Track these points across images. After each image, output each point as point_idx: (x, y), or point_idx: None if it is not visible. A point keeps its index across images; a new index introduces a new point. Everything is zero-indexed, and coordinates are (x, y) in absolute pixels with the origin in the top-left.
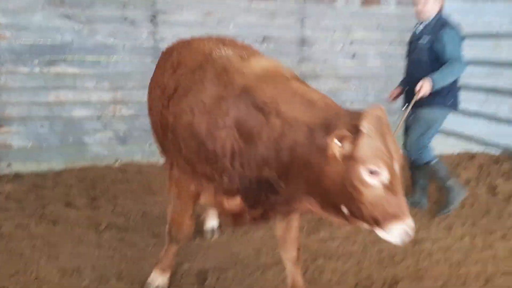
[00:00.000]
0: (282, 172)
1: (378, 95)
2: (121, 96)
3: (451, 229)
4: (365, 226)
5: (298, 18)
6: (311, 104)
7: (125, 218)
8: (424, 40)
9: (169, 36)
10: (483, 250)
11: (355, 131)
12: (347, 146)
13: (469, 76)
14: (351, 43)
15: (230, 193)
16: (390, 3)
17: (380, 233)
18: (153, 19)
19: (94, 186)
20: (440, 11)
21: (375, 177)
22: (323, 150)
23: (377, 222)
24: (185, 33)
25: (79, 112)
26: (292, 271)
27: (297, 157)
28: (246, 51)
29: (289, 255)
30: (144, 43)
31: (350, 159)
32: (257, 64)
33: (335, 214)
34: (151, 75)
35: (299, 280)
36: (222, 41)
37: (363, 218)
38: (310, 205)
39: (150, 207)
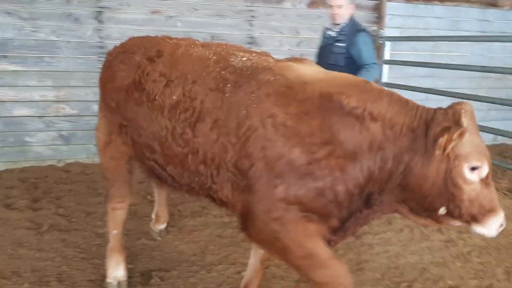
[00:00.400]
0: (383, 183)
1: None
2: (64, 95)
3: (391, 223)
4: (457, 224)
5: (246, 18)
6: (403, 103)
7: (68, 219)
8: (340, 44)
9: (115, 34)
10: (420, 241)
11: (456, 129)
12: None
13: (410, 76)
14: (299, 43)
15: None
16: None
17: (476, 228)
18: (98, 16)
19: (36, 187)
20: (352, 16)
21: (476, 172)
22: (427, 152)
23: (474, 218)
24: (132, 31)
25: (20, 111)
26: (257, 269)
27: (401, 164)
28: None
29: (260, 254)
30: (89, 40)
31: (453, 157)
32: (308, 69)
33: (425, 217)
34: (105, 81)
35: (259, 278)
36: (210, 45)
37: (460, 217)
38: (398, 211)
39: (94, 207)
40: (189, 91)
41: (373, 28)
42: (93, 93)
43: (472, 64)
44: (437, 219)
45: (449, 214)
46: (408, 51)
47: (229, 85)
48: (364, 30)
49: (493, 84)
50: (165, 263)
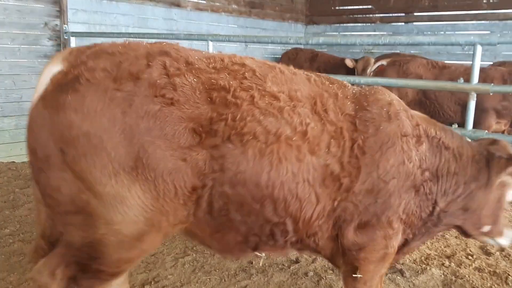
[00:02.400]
0: (452, 204)
1: (7, 95)
2: None
3: None
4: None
5: None
6: (461, 138)
7: None
8: None
9: None
10: None
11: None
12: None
13: None
14: None
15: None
16: None
17: (500, 240)
18: None
19: None
20: None
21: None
22: (489, 180)
23: (500, 233)
24: None
25: None
26: None
27: (468, 190)
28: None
29: None
30: None
31: (503, 185)
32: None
33: (470, 235)
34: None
35: None
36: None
37: (496, 233)
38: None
39: None
40: (329, 120)
41: (55, 22)
42: None
43: None
44: (476, 235)
45: (490, 231)
46: None
47: (357, 107)
48: None
49: None
50: None
